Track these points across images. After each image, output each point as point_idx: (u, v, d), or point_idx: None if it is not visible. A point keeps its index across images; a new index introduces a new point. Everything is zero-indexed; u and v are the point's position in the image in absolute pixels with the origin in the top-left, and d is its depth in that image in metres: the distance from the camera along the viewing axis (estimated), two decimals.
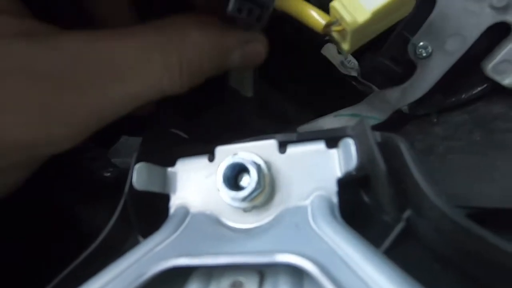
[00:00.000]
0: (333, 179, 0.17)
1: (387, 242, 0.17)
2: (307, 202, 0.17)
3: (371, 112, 0.28)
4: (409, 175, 0.16)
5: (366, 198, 0.19)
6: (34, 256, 0.18)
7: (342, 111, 0.29)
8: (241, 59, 0.21)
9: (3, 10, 0.17)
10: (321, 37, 0.31)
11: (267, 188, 0.17)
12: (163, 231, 0.16)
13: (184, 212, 0.18)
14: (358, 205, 0.19)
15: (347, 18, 0.18)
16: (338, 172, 0.17)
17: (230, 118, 0.28)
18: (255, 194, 0.17)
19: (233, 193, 0.17)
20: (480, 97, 0.28)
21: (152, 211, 0.19)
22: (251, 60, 0.22)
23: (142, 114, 0.24)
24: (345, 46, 0.20)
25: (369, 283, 0.12)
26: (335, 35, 0.20)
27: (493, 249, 0.14)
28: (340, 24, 0.19)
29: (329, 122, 0.28)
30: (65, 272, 0.16)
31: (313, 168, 0.18)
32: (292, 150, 0.18)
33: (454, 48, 0.25)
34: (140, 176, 0.17)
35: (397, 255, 0.17)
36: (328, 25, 0.19)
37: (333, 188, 0.17)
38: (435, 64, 0.26)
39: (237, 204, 0.17)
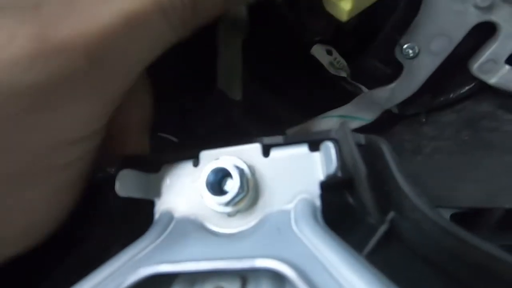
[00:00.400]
0: (316, 182, 0.17)
1: (370, 244, 0.17)
2: (291, 205, 0.17)
3: (359, 113, 0.29)
4: (391, 177, 0.17)
5: (351, 200, 0.19)
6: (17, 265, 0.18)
7: (330, 113, 0.29)
8: None
9: None
10: (311, 37, 0.31)
11: (251, 192, 0.17)
12: (146, 237, 0.16)
13: (169, 217, 0.18)
14: (343, 207, 0.19)
15: None
16: (320, 175, 0.17)
17: (218, 121, 0.28)
18: (238, 198, 0.17)
19: (216, 198, 0.17)
20: (468, 96, 0.28)
21: (142, 217, 0.19)
22: None
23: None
24: (346, 5, 0.19)
25: (347, 287, 0.12)
26: None
27: (474, 250, 0.14)
28: None
29: (318, 124, 0.28)
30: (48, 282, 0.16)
31: (297, 172, 0.18)
32: (276, 153, 0.18)
33: (440, 48, 0.26)
34: (123, 183, 0.17)
35: (381, 257, 0.17)
36: None
37: (316, 191, 0.17)
38: (422, 64, 0.26)
39: (220, 209, 0.17)
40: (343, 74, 0.31)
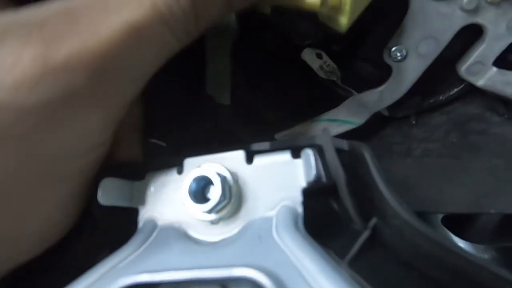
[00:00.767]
0: (298, 189, 0.17)
1: (353, 250, 0.17)
2: (273, 212, 0.17)
3: (348, 116, 0.29)
4: (373, 183, 0.17)
5: (336, 206, 0.19)
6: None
7: (320, 117, 0.29)
8: None
9: None
10: (301, 41, 0.31)
11: (234, 199, 0.17)
12: (128, 246, 0.16)
13: (152, 226, 0.18)
14: (328, 213, 0.19)
15: None
16: (303, 182, 0.17)
17: (206, 126, 0.28)
18: (220, 206, 0.17)
19: (199, 206, 0.17)
20: (458, 98, 0.28)
21: (130, 224, 0.19)
22: None
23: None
24: (344, 19, 0.19)
25: None
26: (330, 11, 0.19)
27: (453, 256, 0.14)
28: None
29: (307, 128, 0.28)
30: None
31: (279, 179, 0.18)
32: (259, 160, 0.18)
33: (428, 51, 0.25)
34: (105, 191, 0.17)
35: (364, 262, 0.17)
36: (324, 1, 0.18)
37: (298, 198, 0.17)
38: (410, 67, 0.26)
39: (203, 217, 0.17)
40: (333, 78, 0.31)
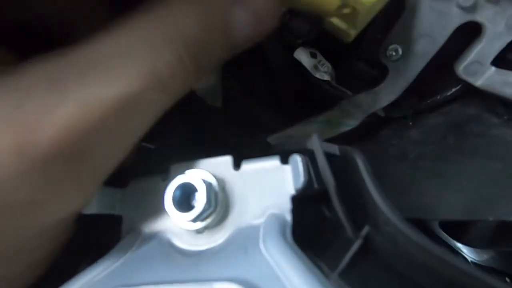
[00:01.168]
0: (287, 196, 0.16)
1: (344, 262, 0.16)
2: (261, 220, 0.16)
3: (343, 118, 0.28)
4: (365, 190, 0.16)
5: (327, 214, 0.18)
6: None
7: (313, 118, 0.28)
8: (247, 20, 0.17)
9: None
10: (294, 40, 0.30)
11: (220, 207, 0.17)
12: (107, 257, 0.16)
13: (135, 235, 0.17)
14: (319, 221, 0.18)
15: None
16: (291, 189, 0.16)
17: (197, 128, 0.27)
18: (205, 214, 0.16)
19: (183, 215, 0.16)
20: (455, 98, 0.27)
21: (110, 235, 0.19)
22: (261, 21, 0.17)
23: None
24: (352, 30, 0.19)
25: None
26: (340, 21, 0.19)
27: (447, 266, 0.14)
28: (348, 6, 0.17)
29: (300, 130, 0.28)
30: None
31: (268, 185, 0.17)
32: (247, 166, 0.18)
33: (425, 50, 0.25)
34: None
35: (356, 272, 0.16)
36: (340, 7, 0.17)
37: (287, 205, 0.16)
38: (406, 66, 0.26)
39: (187, 226, 0.16)
40: (327, 78, 0.30)
